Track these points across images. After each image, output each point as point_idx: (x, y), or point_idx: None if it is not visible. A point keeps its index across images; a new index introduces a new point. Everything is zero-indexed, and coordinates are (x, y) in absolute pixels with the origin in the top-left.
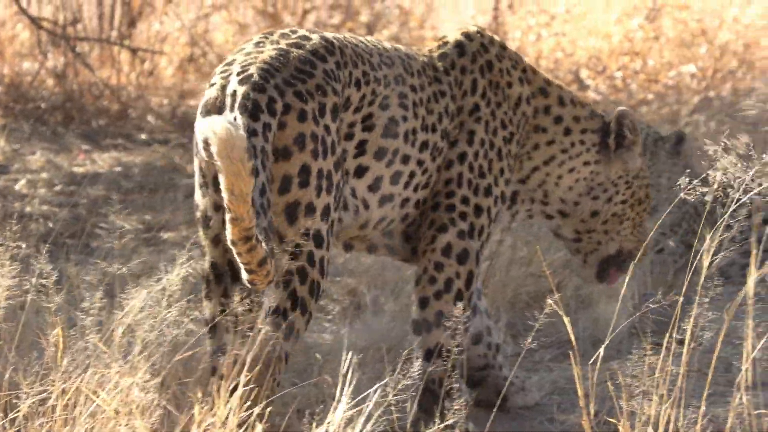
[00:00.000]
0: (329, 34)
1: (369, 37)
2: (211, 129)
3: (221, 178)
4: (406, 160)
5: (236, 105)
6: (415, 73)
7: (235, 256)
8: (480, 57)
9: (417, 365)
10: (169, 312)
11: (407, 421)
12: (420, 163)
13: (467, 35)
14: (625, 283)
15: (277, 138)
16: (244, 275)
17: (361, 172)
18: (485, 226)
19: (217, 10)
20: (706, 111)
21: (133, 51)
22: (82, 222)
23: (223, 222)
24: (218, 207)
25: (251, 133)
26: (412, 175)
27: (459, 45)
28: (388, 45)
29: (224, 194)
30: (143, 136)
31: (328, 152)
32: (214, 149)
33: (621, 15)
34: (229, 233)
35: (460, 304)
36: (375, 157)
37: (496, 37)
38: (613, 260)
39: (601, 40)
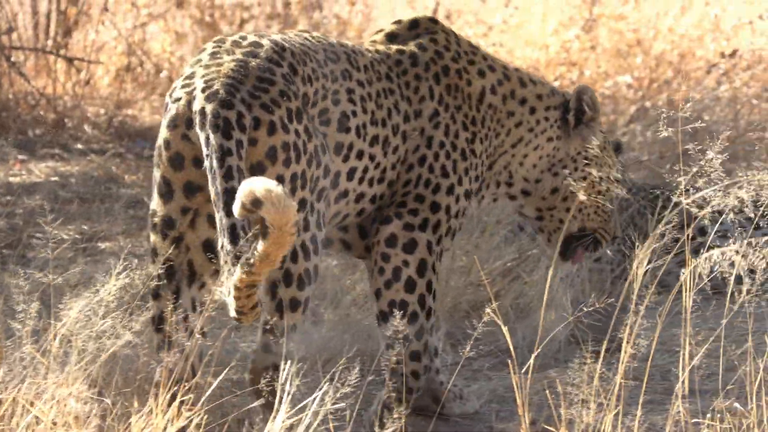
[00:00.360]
0: (276, 36)
1: (315, 34)
2: (265, 190)
3: (263, 242)
4: (360, 155)
5: (207, 124)
6: (361, 68)
7: (231, 297)
8: (434, 65)
9: (355, 374)
10: (106, 322)
11: (346, 430)
12: (372, 157)
13: (420, 46)
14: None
15: (250, 154)
16: (233, 313)
17: (325, 168)
18: (443, 221)
19: (154, 20)
20: (642, 120)
21: (69, 60)
22: (19, 232)
23: (192, 223)
24: (186, 210)
25: (226, 152)
26: (365, 170)
27: (413, 55)
28: (333, 41)
29: (258, 256)
30: (80, 146)
31: (301, 155)
32: (268, 216)
33: (557, 26)
34: (237, 280)
35: (398, 313)
36: (335, 152)
37: (450, 30)
38: (576, 239)
39: (538, 51)
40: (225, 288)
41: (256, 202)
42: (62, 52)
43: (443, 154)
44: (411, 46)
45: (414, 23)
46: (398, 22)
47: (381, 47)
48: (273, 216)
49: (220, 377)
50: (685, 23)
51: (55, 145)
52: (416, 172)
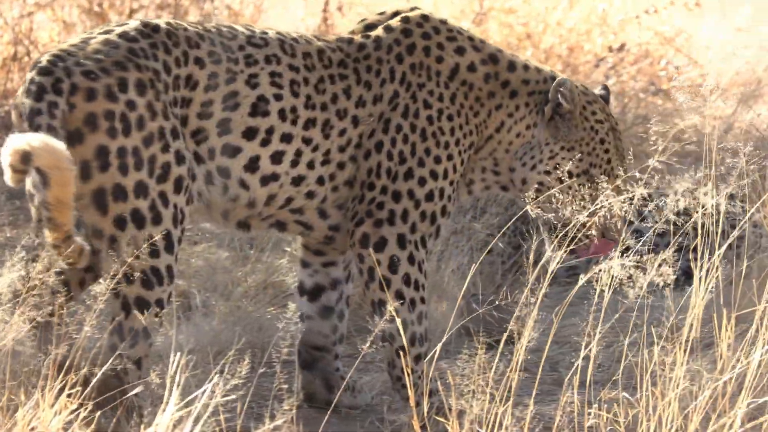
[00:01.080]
0: (163, 20)
1: (245, 25)
2: (29, 143)
3: (48, 191)
4: (287, 138)
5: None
6: (298, 54)
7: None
8: (398, 45)
9: (245, 365)
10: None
11: (236, 422)
12: (307, 141)
13: (388, 27)
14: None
15: (69, 120)
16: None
17: (232, 152)
18: (410, 209)
19: (41, 9)
20: None
21: None
22: None
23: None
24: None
25: (35, 112)
26: (298, 153)
27: (377, 39)
28: (269, 31)
29: (51, 205)
30: None
31: (132, 129)
32: (42, 162)
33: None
34: (49, 237)
35: (293, 305)
36: (245, 136)
37: (433, 16)
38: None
39: None
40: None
41: (25, 157)
42: None
43: (400, 138)
44: (378, 30)
45: (396, 13)
46: (382, 13)
47: (348, 36)
48: (46, 160)
49: (104, 368)
50: (573, 17)
51: None
52: (375, 159)
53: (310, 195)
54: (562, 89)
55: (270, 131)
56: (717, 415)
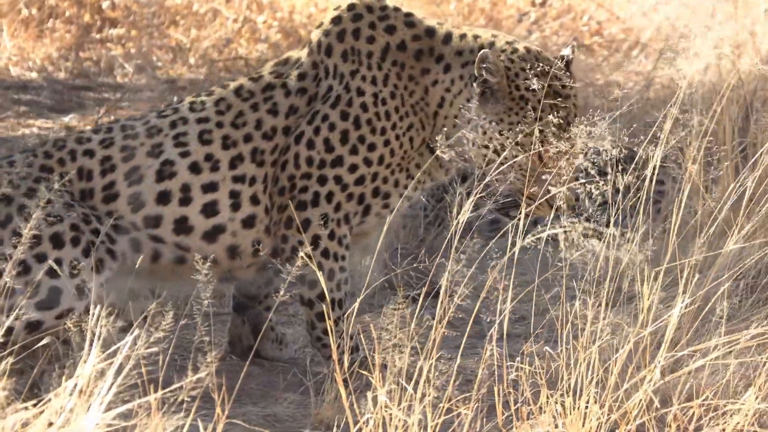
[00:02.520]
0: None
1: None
2: None
3: None
4: (213, 187)
5: None
6: (209, 105)
7: None
8: (327, 37)
9: (168, 318)
10: None
11: (158, 374)
12: (239, 178)
13: (321, 28)
14: (380, 238)
15: None
16: None
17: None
18: (335, 192)
19: None
20: None
21: None
22: None
23: None
24: None
25: None
26: (234, 194)
27: (309, 43)
28: (190, 99)
29: None
30: None
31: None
32: None
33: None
34: None
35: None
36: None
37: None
38: (510, 203)
39: None
40: None
41: None
42: None
43: (326, 126)
44: (314, 34)
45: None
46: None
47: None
48: None
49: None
50: None
51: None
52: (293, 150)
53: (267, 230)
54: (485, 64)
55: (185, 189)
56: (636, 368)
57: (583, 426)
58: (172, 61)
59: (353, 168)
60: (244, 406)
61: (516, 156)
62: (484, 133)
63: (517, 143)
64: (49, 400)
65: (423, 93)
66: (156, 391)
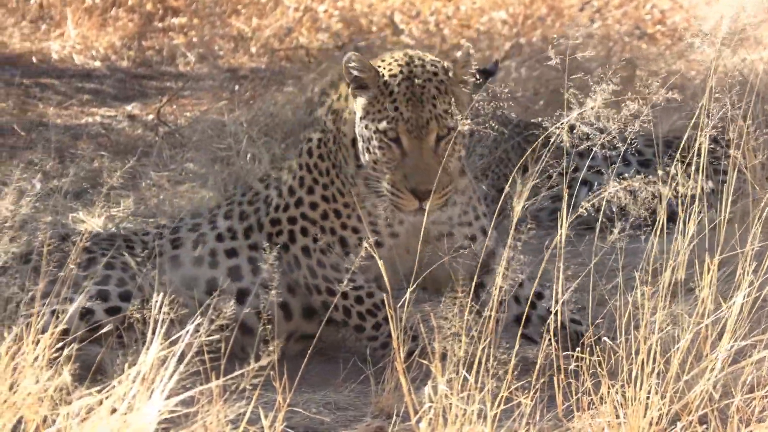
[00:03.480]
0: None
1: None
2: None
3: None
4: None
5: None
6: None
7: None
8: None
9: (230, 305)
10: None
11: (221, 362)
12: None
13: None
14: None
15: None
16: None
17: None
18: (308, 227)
19: None
20: (516, 57)
21: None
22: None
23: None
24: None
25: None
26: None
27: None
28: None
29: None
30: None
31: None
32: None
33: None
34: None
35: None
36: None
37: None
38: None
39: None
40: None
41: None
42: None
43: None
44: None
45: None
46: None
47: None
48: None
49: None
50: None
51: None
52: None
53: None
54: (350, 64)
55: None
56: (697, 359)
57: (644, 417)
58: (233, 50)
59: (313, 206)
60: (305, 393)
61: None
62: (361, 134)
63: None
64: (113, 386)
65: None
66: (218, 378)
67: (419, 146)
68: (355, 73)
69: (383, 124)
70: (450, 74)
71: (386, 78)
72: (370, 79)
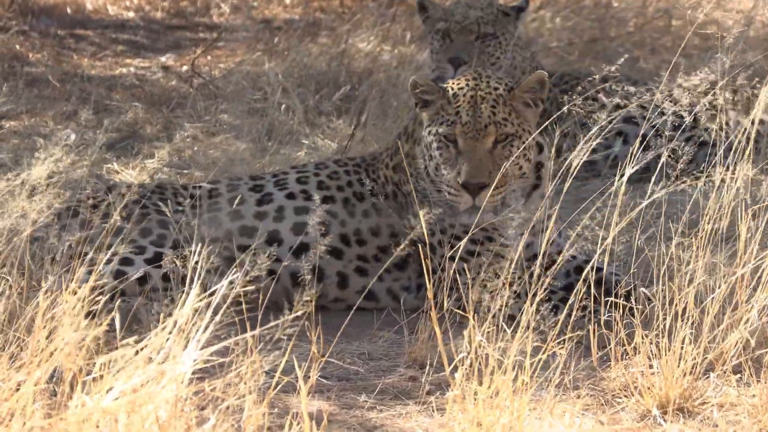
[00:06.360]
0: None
1: None
2: None
3: None
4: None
5: None
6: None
7: None
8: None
9: (265, 257)
10: (33, 202)
11: (258, 312)
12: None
13: None
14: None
15: None
16: None
17: None
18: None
19: None
20: (551, 7)
21: None
22: None
23: None
24: None
25: None
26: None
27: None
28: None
29: None
30: None
31: None
32: None
33: None
34: None
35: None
36: None
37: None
38: None
39: None
40: None
41: None
42: None
43: None
44: None
45: None
46: None
47: None
48: None
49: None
50: None
51: None
52: None
53: None
54: (416, 90)
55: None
56: (733, 309)
57: (678, 367)
58: (267, 0)
59: None
60: (339, 344)
61: None
62: None
63: None
64: (149, 337)
65: None
66: (253, 329)
67: (474, 146)
68: (423, 96)
69: (443, 128)
70: (513, 92)
71: (454, 90)
72: (436, 97)
